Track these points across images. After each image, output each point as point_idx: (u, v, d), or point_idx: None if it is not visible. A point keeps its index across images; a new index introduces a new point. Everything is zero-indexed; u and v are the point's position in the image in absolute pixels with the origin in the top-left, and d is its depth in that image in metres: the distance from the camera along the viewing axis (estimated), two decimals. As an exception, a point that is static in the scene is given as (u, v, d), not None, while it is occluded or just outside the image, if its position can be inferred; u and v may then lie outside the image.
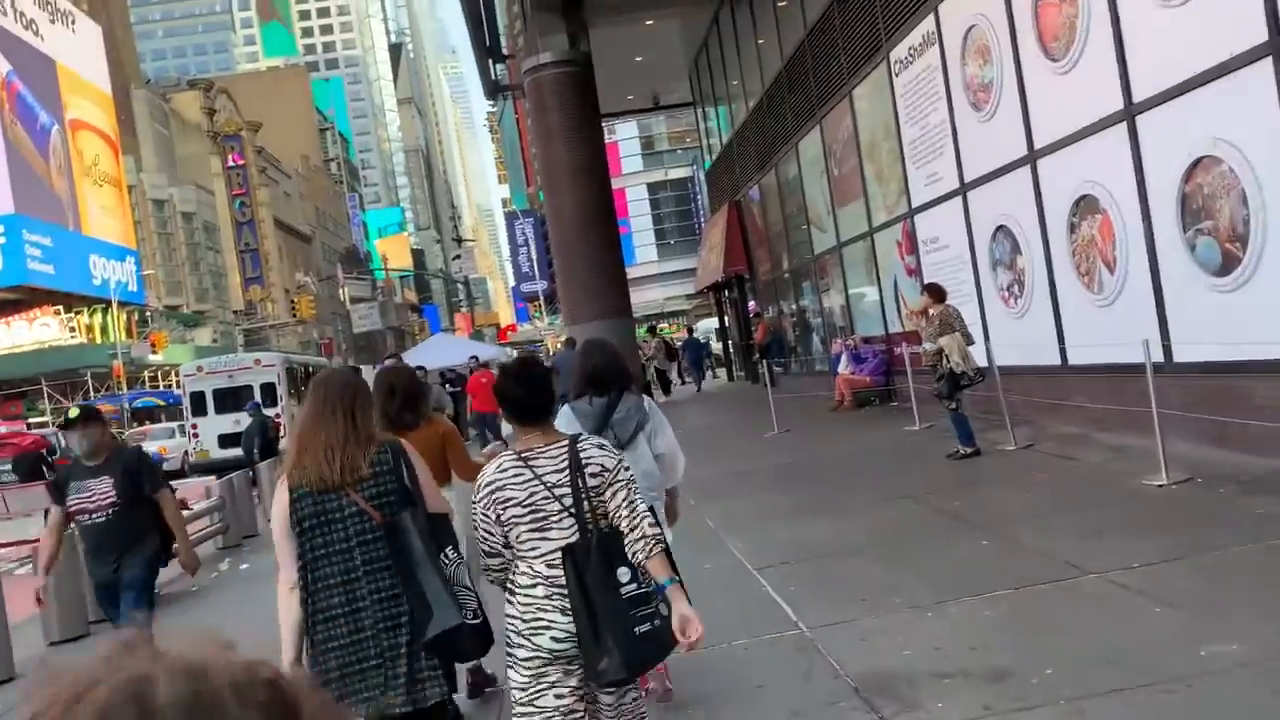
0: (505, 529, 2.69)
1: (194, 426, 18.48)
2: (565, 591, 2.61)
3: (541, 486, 2.67)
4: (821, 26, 13.94)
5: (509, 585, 2.73)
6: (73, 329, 48.25)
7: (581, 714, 2.66)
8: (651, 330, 25.03)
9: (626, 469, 2.78)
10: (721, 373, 26.62)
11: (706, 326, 46.40)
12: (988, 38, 9.42)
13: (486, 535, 2.72)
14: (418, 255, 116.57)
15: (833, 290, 15.99)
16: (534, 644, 2.64)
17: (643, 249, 59.81)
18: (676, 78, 25.06)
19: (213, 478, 13.26)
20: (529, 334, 62.74)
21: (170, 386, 44.22)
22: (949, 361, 8.38)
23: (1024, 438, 8.78)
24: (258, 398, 18.53)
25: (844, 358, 13.90)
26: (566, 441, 2.75)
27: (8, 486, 14.66)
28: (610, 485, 2.70)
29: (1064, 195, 8.57)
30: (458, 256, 74.39)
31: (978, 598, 4.78)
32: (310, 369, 22.55)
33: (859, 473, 9.01)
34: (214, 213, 70.04)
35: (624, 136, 57.98)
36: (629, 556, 2.64)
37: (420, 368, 14.57)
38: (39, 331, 47.70)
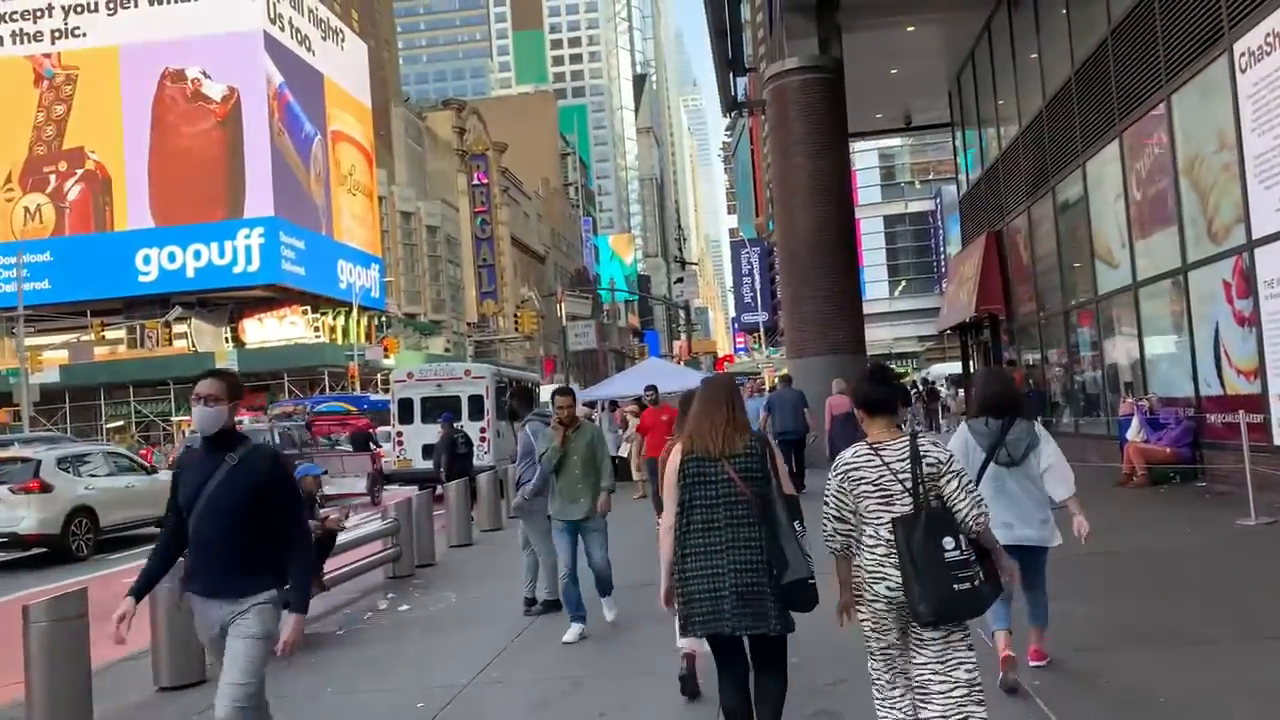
0: (857, 500, 3.42)
1: (399, 434, 17.94)
2: (897, 551, 3.29)
3: (888, 471, 3.39)
4: (1132, 19, 11.52)
5: (856, 545, 3.44)
6: (317, 329, 50.73)
7: (901, 649, 3.40)
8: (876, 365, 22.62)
9: (956, 462, 3.46)
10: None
11: (939, 371, 43.17)
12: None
13: (840, 504, 3.45)
14: (643, 280, 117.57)
15: (1120, 338, 13.35)
16: (874, 590, 3.37)
17: (874, 285, 56.91)
18: (934, 94, 22.76)
19: (415, 488, 12.39)
20: (746, 366, 61.04)
21: (397, 391, 45.42)
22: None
23: None
24: (465, 409, 17.75)
25: (1135, 422, 11.33)
26: (907, 438, 3.45)
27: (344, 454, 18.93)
28: (944, 475, 3.38)
29: None
30: (679, 280, 73.75)
31: None
32: (523, 384, 21.76)
33: (1195, 583, 6.63)
34: (456, 227, 72.81)
35: (863, 166, 55.37)
36: (958, 529, 3.30)
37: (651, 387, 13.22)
38: (287, 329, 50.41)
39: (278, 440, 19.10)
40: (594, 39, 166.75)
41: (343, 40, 55.45)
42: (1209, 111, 9.99)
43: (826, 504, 3.45)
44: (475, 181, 76.71)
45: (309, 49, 50.88)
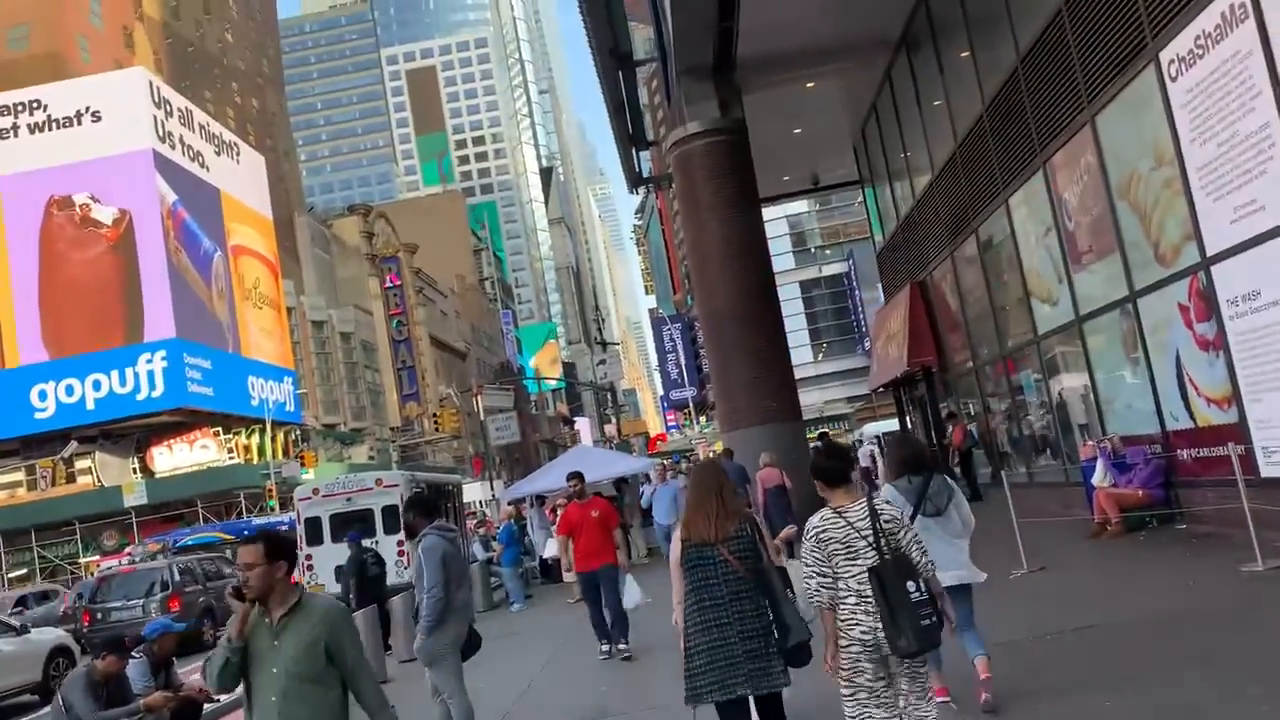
0: (830, 558, 3.88)
1: (308, 557, 16.35)
2: (871, 599, 3.78)
3: (852, 530, 3.89)
4: (1043, 44, 11.01)
5: (831, 598, 3.90)
6: (231, 450, 48.67)
7: (885, 686, 3.84)
8: (824, 438, 21.74)
9: (908, 517, 4.61)
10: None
11: (872, 430, 42.59)
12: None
13: (818, 561, 3.91)
14: (568, 368, 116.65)
15: (1068, 377, 12.61)
16: (850, 635, 3.81)
17: (798, 350, 56.60)
18: (840, 151, 22.41)
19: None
20: (679, 443, 59.98)
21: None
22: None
23: None
24: (379, 522, 16.30)
25: (1099, 466, 10.47)
26: (865, 500, 3.98)
27: None
28: (900, 529, 3.94)
29: None
30: (602, 362, 72.82)
31: None
32: (444, 487, 20.30)
33: (1227, 657, 5.61)
34: (372, 332, 71.25)
35: (774, 234, 55.52)
36: (917, 575, 3.83)
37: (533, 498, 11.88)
38: (198, 454, 48.23)
39: (177, 577, 17.38)
40: (497, 136, 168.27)
41: (238, 154, 54.26)
42: (1139, 127, 9.38)
43: (806, 564, 3.92)
44: (388, 284, 75.45)
45: (203, 165, 49.55)
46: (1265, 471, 8.18)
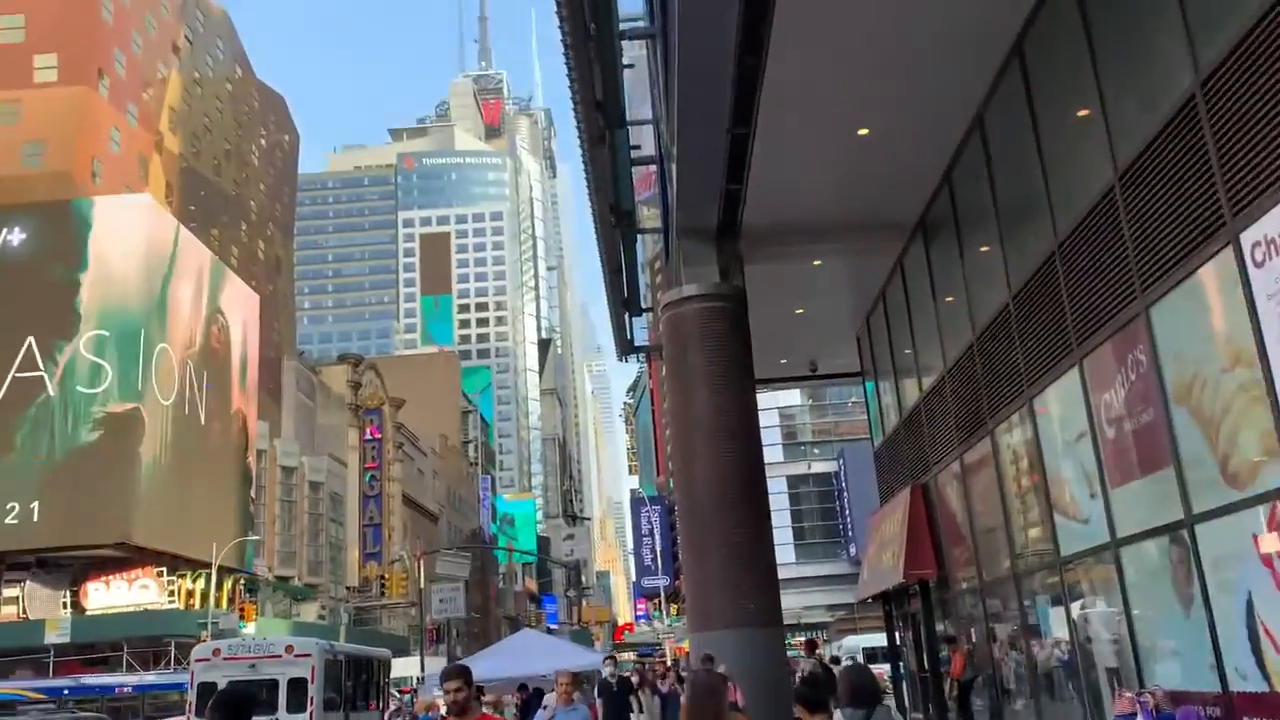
0: None
1: (187, 734, 14.07)
2: None
3: None
4: (1088, 226, 9.80)
5: None
6: (172, 593, 45.87)
7: None
8: (811, 646, 19.61)
9: None
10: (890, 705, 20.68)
11: (852, 645, 39.81)
12: None
13: None
14: (542, 542, 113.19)
15: (1096, 610, 10.80)
16: None
17: (779, 548, 54.27)
18: (841, 340, 21.26)
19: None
20: (646, 636, 56.72)
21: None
22: None
23: None
24: (283, 697, 14.05)
25: (1141, 723, 8.55)
26: None
27: None
28: None
29: None
30: (570, 537, 70.14)
31: None
32: (366, 661, 17.96)
33: None
34: (343, 484, 69.05)
35: (765, 424, 54.30)
36: None
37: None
38: (138, 593, 45.50)
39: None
40: (501, 304, 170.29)
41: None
42: (1207, 321, 8.00)
43: None
44: (368, 436, 73.77)
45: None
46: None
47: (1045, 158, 10.75)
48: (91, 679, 31.33)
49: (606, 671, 14.37)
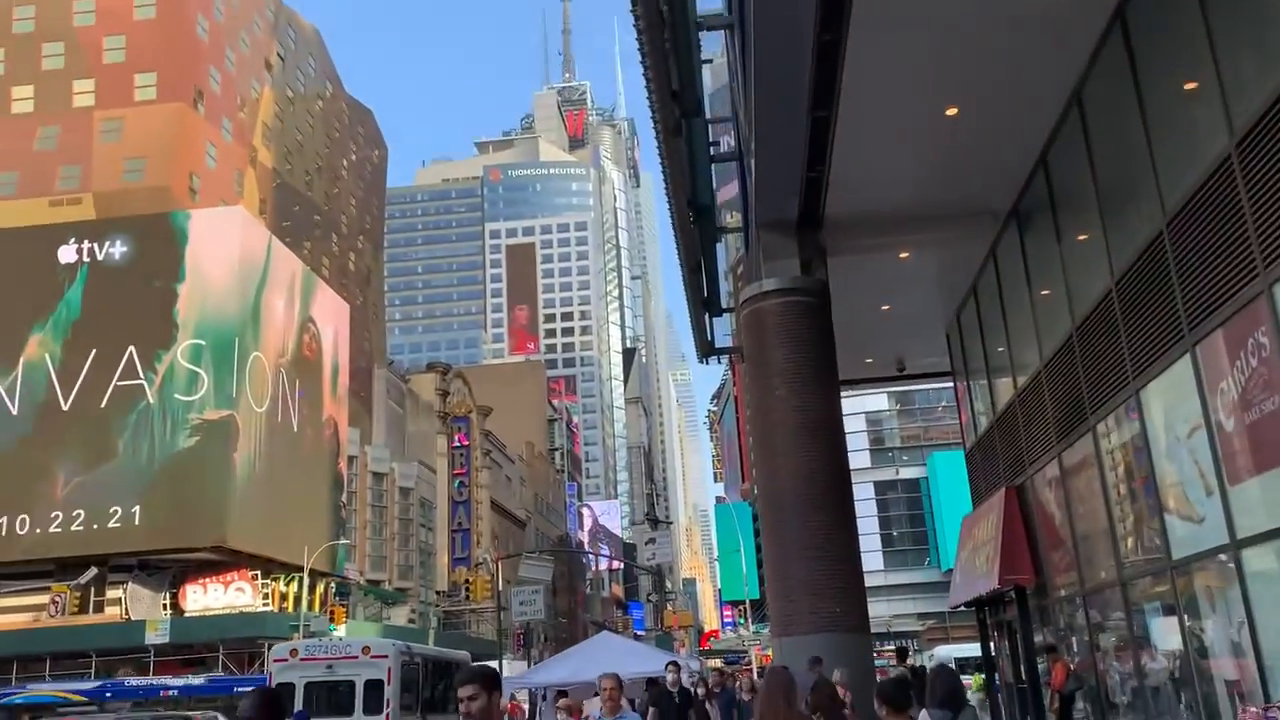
0: None
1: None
2: None
3: None
4: (1201, 200, 9.06)
5: None
6: (266, 596, 46.77)
7: None
8: (902, 654, 18.87)
9: None
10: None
11: (944, 654, 38.63)
12: None
13: None
14: (628, 548, 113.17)
15: (1213, 618, 9.98)
16: None
17: (868, 555, 52.99)
18: (930, 338, 20.48)
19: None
20: (731, 643, 55.93)
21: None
22: None
23: None
24: (360, 698, 13.94)
25: (1268, 741, 7.79)
26: None
27: None
28: None
29: None
30: (651, 541, 69.58)
31: None
32: (446, 664, 17.82)
33: None
34: (433, 490, 69.90)
35: (851, 429, 53.23)
36: None
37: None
38: (233, 596, 46.45)
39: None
40: (585, 314, 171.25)
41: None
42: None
43: None
44: (456, 444, 74.57)
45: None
46: None
47: (1151, 131, 10.01)
48: (137, 681, 31.77)
49: (669, 679, 13.33)
